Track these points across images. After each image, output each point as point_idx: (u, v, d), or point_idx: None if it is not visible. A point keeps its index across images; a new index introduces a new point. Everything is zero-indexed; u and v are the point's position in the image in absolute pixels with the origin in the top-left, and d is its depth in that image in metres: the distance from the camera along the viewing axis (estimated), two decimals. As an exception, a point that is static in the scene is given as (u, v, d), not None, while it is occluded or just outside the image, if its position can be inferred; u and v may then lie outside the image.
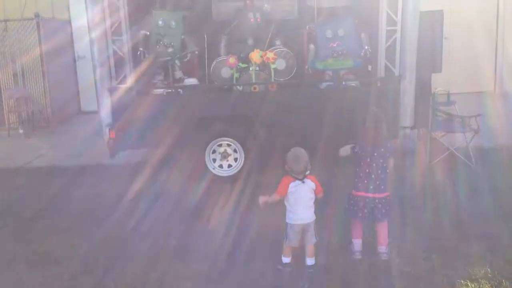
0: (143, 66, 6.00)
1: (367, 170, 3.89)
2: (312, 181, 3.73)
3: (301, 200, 3.71)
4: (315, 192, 3.75)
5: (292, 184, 3.69)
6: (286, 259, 3.82)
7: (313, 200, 3.75)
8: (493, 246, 4.06)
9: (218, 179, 5.91)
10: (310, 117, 5.75)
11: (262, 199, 3.81)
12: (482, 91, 11.13)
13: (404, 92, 5.85)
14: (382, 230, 3.98)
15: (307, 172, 3.73)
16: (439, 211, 4.79)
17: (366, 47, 5.98)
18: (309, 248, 3.77)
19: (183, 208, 5.18)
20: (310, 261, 3.78)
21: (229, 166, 5.97)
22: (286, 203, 3.77)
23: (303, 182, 3.70)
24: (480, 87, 11.17)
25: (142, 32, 6.06)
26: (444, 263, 3.83)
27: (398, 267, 3.80)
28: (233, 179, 5.90)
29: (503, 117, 8.35)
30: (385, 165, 3.91)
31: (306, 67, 6.18)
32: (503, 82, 11.29)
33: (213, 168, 5.95)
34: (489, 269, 3.70)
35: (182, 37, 6.16)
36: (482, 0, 10.98)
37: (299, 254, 3.84)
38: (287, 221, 3.76)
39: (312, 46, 6.14)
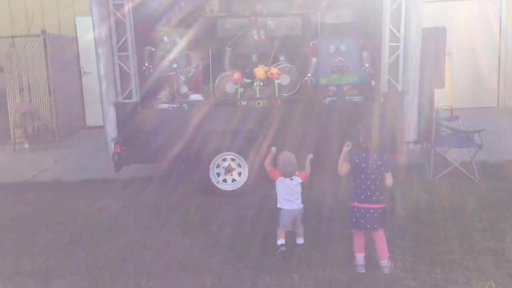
0: (148, 81, 6.07)
1: (368, 182, 3.91)
2: (299, 176, 4.36)
3: (290, 192, 4.34)
4: (302, 180, 4.38)
5: (281, 178, 4.36)
6: (281, 241, 4.34)
7: (300, 192, 4.36)
8: (497, 260, 4.05)
9: (222, 193, 5.94)
10: (314, 131, 5.79)
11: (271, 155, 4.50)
12: (485, 106, 11.18)
13: (407, 107, 5.90)
14: (380, 243, 3.98)
15: (296, 173, 4.36)
16: (443, 226, 4.78)
17: (366, 65, 6.05)
18: (299, 231, 4.41)
19: (187, 222, 5.19)
20: (300, 240, 4.42)
21: (233, 180, 6.00)
22: (278, 193, 4.40)
23: (292, 179, 4.35)
24: (483, 103, 11.23)
25: (148, 48, 6.14)
26: (448, 277, 3.82)
27: (402, 282, 3.79)
28: (237, 193, 5.93)
29: (506, 132, 8.37)
30: (380, 177, 3.93)
31: (306, 78, 6.21)
32: (506, 97, 11.34)
33: (217, 182, 5.98)
34: (493, 284, 3.68)
35: (187, 52, 6.23)
36: (485, 16, 11.08)
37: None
38: (280, 206, 4.37)
39: (314, 59, 6.20)
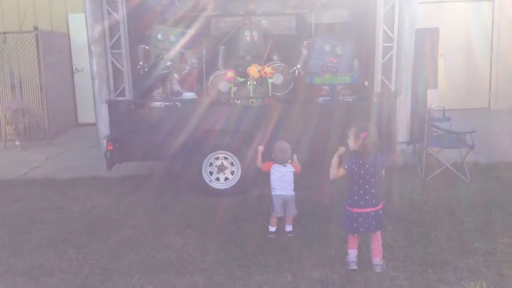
0: (142, 79, 6.04)
1: (367, 186, 3.86)
2: (291, 165, 4.69)
3: (282, 178, 4.67)
4: (295, 172, 4.71)
5: (274, 165, 4.68)
6: (272, 228, 4.69)
7: (292, 179, 4.69)
8: (488, 260, 4.08)
9: (215, 192, 5.93)
10: (307, 131, 5.79)
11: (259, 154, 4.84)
12: (477, 107, 11.25)
13: (399, 108, 5.92)
14: (376, 242, 3.97)
15: (289, 161, 4.69)
16: (434, 226, 4.80)
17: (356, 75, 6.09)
18: (289, 218, 4.70)
19: (179, 220, 5.18)
20: (288, 227, 4.71)
21: (226, 179, 5.99)
22: (271, 180, 4.70)
23: (284, 166, 4.68)
24: (475, 104, 11.31)
25: (142, 46, 6.11)
26: (440, 277, 3.84)
27: (394, 281, 3.80)
28: (229, 192, 5.92)
29: (497, 134, 8.43)
30: (377, 177, 3.89)
31: (295, 68, 6.21)
32: (497, 98, 11.42)
33: (210, 181, 5.97)
34: (484, 284, 3.71)
35: (182, 51, 6.21)
36: (478, 17, 11.15)
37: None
38: (272, 193, 4.69)
39: (305, 51, 6.21)
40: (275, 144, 4.76)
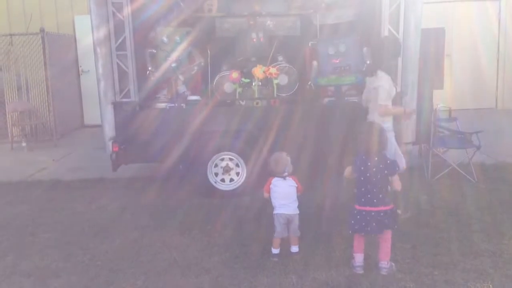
0: (148, 82, 6.05)
1: (369, 186, 3.88)
2: (293, 180, 4.31)
3: (283, 194, 4.30)
4: (297, 189, 4.32)
5: (273, 180, 4.32)
6: (275, 251, 4.29)
7: (295, 196, 4.31)
8: (495, 262, 4.05)
9: (220, 193, 5.93)
10: (312, 132, 5.78)
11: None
12: (483, 107, 11.19)
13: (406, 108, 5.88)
14: (385, 245, 3.96)
15: (287, 173, 4.32)
16: (441, 227, 4.78)
17: (368, 62, 6.02)
18: (294, 238, 4.31)
19: (184, 222, 5.18)
20: (294, 248, 4.31)
21: (231, 180, 5.99)
22: (271, 198, 4.34)
23: (284, 179, 4.29)
24: (482, 104, 11.24)
25: (149, 51, 6.12)
26: (447, 279, 3.83)
27: (400, 283, 3.79)
28: (235, 193, 5.92)
29: (504, 134, 8.38)
30: (382, 180, 3.89)
31: (309, 83, 6.22)
32: (504, 98, 11.36)
33: (215, 182, 5.97)
34: (491, 285, 3.69)
35: (189, 49, 6.21)
36: (484, 17, 11.10)
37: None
38: (273, 212, 4.31)
39: (315, 62, 6.19)
40: (270, 158, 4.45)
